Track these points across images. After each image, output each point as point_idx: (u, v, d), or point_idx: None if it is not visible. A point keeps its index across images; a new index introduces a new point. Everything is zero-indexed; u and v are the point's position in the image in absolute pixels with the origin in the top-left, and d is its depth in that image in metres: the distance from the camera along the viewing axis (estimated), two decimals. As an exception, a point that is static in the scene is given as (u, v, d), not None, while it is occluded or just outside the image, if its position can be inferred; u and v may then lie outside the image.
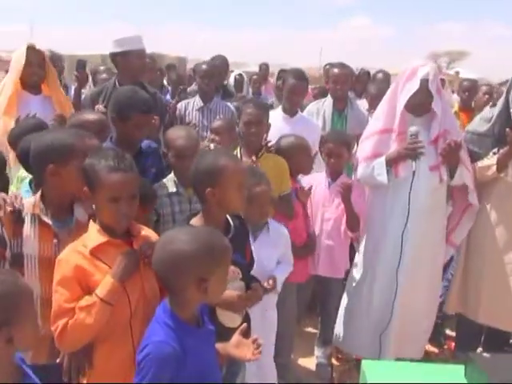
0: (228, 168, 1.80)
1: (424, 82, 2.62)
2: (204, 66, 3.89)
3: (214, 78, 3.86)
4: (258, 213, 2.29)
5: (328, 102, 3.78)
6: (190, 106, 3.79)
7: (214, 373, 1.44)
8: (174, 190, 2.34)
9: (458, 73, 14.29)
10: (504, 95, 2.85)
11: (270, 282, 2.29)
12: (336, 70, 3.72)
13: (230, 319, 1.77)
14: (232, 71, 6.44)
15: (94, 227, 1.64)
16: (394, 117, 2.72)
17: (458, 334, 3.23)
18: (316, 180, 2.98)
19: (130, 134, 2.42)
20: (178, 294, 1.47)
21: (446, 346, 3.43)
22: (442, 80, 4.07)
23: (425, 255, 2.75)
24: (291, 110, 3.42)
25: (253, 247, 2.30)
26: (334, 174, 3.00)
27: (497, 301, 2.85)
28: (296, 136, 2.90)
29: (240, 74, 6.44)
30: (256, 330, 2.30)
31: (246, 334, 1.61)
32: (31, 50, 3.12)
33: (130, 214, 1.62)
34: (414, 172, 2.63)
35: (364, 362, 1.93)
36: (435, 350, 3.39)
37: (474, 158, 2.86)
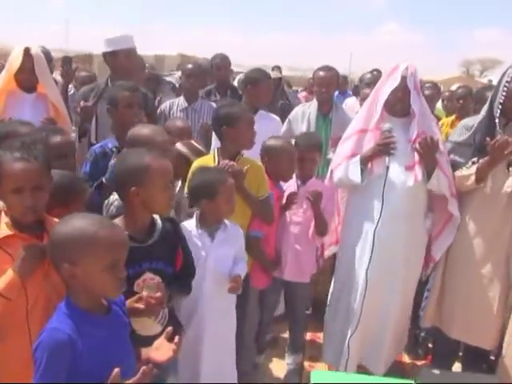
0: (153, 166, 1.74)
1: (403, 79, 2.60)
2: (189, 66, 3.86)
3: (199, 77, 3.82)
4: (225, 207, 2.26)
5: (313, 105, 3.72)
6: (175, 106, 3.75)
7: (124, 363, 1.35)
8: None
9: (490, 81, 14.07)
10: (488, 103, 2.76)
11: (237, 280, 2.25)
12: (321, 73, 3.66)
13: (141, 326, 1.70)
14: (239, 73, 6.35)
15: (3, 220, 1.60)
16: (374, 116, 2.69)
17: (434, 348, 3.14)
18: (286, 183, 2.91)
19: (123, 117, 2.60)
20: (64, 280, 1.42)
21: (424, 360, 3.35)
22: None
23: (398, 257, 2.67)
24: (254, 109, 3.39)
25: (210, 248, 2.26)
26: (304, 178, 2.94)
27: (470, 315, 2.76)
28: (283, 139, 2.88)
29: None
30: (210, 335, 2.28)
31: (172, 338, 1.55)
32: (27, 55, 3.06)
33: (35, 206, 1.57)
34: (387, 168, 2.57)
35: (313, 373, 1.90)
36: (413, 361, 3.32)
37: (456, 167, 2.78)
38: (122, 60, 3.19)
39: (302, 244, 2.88)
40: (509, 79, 2.61)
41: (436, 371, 1.77)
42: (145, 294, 1.62)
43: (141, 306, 1.61)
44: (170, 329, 1.57)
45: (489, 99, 2.75)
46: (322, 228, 2.87)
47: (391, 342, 2.80)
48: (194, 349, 2.26)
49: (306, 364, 3.21)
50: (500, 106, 2.64)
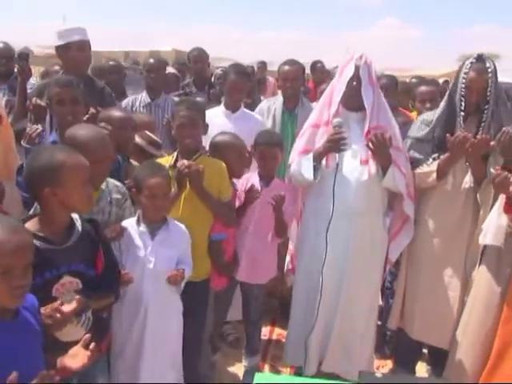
0: (67, 164, 1.66)
1: (356, 69, 2.54)
2: (151, 60, 3.76)
3: (160, 72, 3.72)
4: (151, 206, 2.17)
5: (279, 100, 3.63)
6: (137, 102, 3.66)
7: (28, 370, 1.28)
8: None
9: None
10: (446, 97, 2.69)
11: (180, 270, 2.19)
12: (286, 68, 3.55)
13: (61, 332, 1.63)
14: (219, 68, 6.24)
15: None
16: (329, 110, 2.62)
17: (397, 349, 3.08)
18: (250, 182, 2.82)
19: (55, 114, 2.56)
20: None
21: (391, 359, 3.29)
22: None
23: (353, 255, 2.60)
24: (233, 106, 3.33)
25: (150, 247, 2.19)
26: (266, 177, 2.85)
27: (430, 316, 2.70)
28: (231, 134, 2.76)
29: (223, 70, 6.23)
30: (152, 337, 2.21)
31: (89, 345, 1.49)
32: None
33: None
34: (337, 165, 2.50)
35: (256, 375, 1.83)
36: (380, 360, 3.26)
37: (415, 164, 2.72)
38: (74, 53, 3.08)
39: (260, 245, 2.80)
40: (467, 70, 2.54)
41: (378, 374, 1.70)
42: (59, 302, 1.54)
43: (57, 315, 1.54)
44: (87, 336, 1.51)
45: (447, 93, 2.68)
46: (281, 230, 2.80)
47: (352, 343, 2.71)
48: (135, 351, 2.20)
49: (268, 364, 3.17)
50: (463, 99, 2.57)
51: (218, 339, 3.03)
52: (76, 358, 1.47)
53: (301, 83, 3.66)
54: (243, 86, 3.33)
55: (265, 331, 3.42)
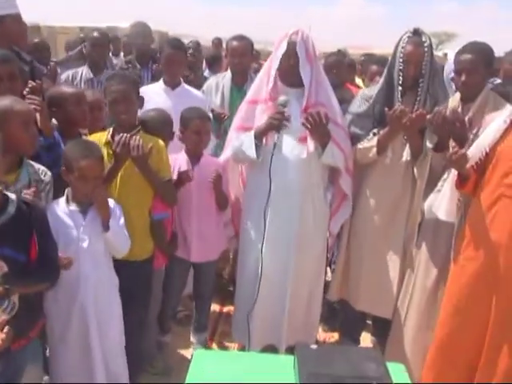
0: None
1: (293, 45, 2.50)
2: (95, 34, 3.62)
3: (105, 47, 3.60)
4: (81, 188, 2.11)
5: (227, 76, 3.57)
6: (78, 76, 3.53)
7: None
8: None
9: (446, 54, 14.17)
10: (386, 72, 2.70)
11: None
12: (234, 43, 3.49)
13: None
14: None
15: None
16: (267, 86, 2.59)
17: (341, 321, 3.14)
18: (177, 161, 2.74)
19: None
20: None
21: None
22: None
23: (292, 232, 2.61)
24: (172, 82, 3.24)
25: (83, 226, 2.14)
26: (195, 154, 2.76)
27: (374, 287, 2.76)
28: (159, 110, 2.69)
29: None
30: (94, 318, 2.17)
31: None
32: None
33: None
34: (275, 143, 2.49)
35: (196, 352, 1.85)
36: (328, 333, 3.33)
37: (356, 140, 2.73)
38: (9, 26, 2.93)
39: (206, 223, 2.78)
40: (404, 44, 2.55)
41: (313, 346, 1.72)
42: None
43: None
44: (2, 319, 1.47)
45: (386, 68, 2.69)
46: (222, 203, 2.80)
47: (296, 317, 2.75)
48: (80, 333, 2.16)
49: (216, 341, 3.19)
50: (401, 73, 2.59)
51: (168, 320, 3.02)
52: None
53: (249, 59, 3.60)
54: (179, 60, 3.24)
55: (215, 307, 3.44)
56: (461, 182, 2.32)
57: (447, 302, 2.39)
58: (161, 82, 3.32)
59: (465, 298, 2.29)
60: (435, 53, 2.88)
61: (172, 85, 3.25)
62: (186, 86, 3.35)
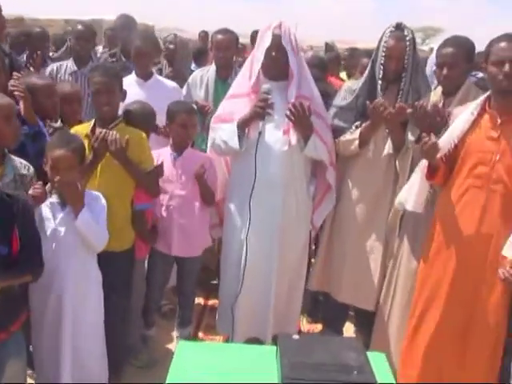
0: None
1: (277, 38, 2.50)
2: (79, 27, 3.60)
3: (90, 40, 3.58)
4: (53, 178, 2.09)
5: (212, 69, 3.57)
6: (63, 69, 3.50)
7: None
8: None
9: (432, 49, 14.24)
10: (369, 65, 2.72)
11: None
12: (218, 36, 3.49)
13: None
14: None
15: None
16: (250, 80, 2.59)
17: (324, 312, 3.18)
18: (160, 157, 2.74)
19: None
20: None
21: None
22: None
23: (275, 223, 2.63)
24: (143, 74, 3.27)
25: (59, 217, 2.13)
26: (180, 148, 2.77)
27: (356, 279, 2.79)
28: (141, 102, 2.69)
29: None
30: (71, 312, 2.17)
31: None
32: None
33: None
34: (259, 133, 2.49)
35: (180, 343, 1.86)
36: (311, 324, 3.37)
37: (340, 132, 2.75)
38: None
39: (188, 218, 2.77)
40: (386, 38, 2.58)
41: (295, 336, 1.74)
42: None
43: None
44: None
45: (370, 61, 2.71)
46: (208, 198, 2.79)
47: (278, 309, 2.77)
48: (55, 327, 2.16)
49: (201, 333, 3.20)
50: (382, 67, 2.61)
51: (152, 314, 3.01)
52: None
53: (233, 52, 3.60)
54: (148, 52, 3.28)
55: (200, 300, 3.44)
56: (430, 174, 2.35)
57: (417, 292, 2.44)
58: (133, 74, 3.34)
59: (435, 287, 2.34)
60: (422, 47, 2.92)
61: (144, 76, 3.28)
62: (159, 77, 3.38)
